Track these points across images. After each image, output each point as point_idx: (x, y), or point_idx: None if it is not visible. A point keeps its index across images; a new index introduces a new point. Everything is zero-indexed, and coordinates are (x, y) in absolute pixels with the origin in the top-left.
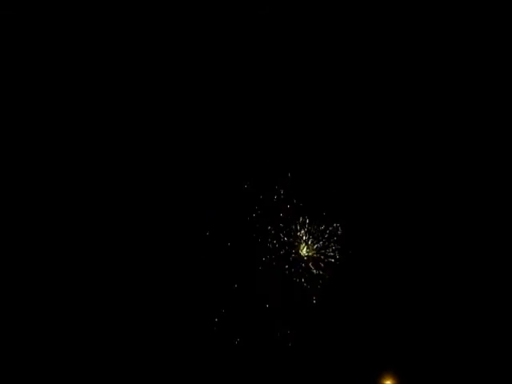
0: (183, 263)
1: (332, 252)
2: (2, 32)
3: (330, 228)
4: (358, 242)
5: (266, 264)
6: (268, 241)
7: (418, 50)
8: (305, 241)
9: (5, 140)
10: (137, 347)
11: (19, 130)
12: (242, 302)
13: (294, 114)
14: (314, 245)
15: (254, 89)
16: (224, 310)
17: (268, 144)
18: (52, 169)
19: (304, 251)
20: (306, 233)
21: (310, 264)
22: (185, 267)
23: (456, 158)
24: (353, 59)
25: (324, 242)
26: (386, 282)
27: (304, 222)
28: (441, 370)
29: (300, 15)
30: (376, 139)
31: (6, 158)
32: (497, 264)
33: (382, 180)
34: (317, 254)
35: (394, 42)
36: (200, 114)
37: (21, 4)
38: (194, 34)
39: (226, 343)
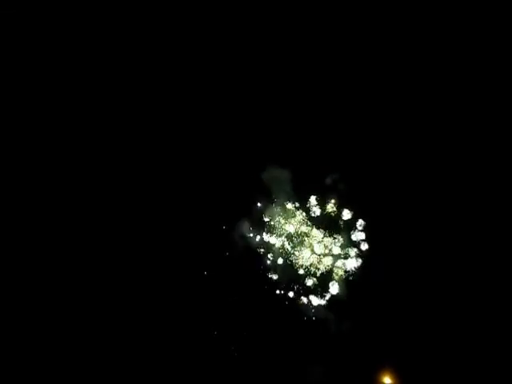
0: (184, 271)
1: (331, 253)
2: (2, 32)
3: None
4: (357, 243)
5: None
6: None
7: (417, 50)
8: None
9: (5, 140)
10: (138, 352)
11: (19, 129)
12: (241, 303)
13: (293, 113)
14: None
15: (254, 88)
16: (225, 314)
17: (268, 144)
18: (52, 169)
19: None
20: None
21: (310, 264)
22: (184, 275)
23: (456, 155)
24: (352, 59)
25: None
26: (386, 282)
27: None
28: (441, 369)
29: (300, 15)
30: (375, 144)
31: (6, 158)
32: (496, 264)
33: (386, 182)
34: (315, 253)
35: (394, 41)
36: (199, 113)
37: (21, 4)
38: (194, 33)
39: (225, 343)
